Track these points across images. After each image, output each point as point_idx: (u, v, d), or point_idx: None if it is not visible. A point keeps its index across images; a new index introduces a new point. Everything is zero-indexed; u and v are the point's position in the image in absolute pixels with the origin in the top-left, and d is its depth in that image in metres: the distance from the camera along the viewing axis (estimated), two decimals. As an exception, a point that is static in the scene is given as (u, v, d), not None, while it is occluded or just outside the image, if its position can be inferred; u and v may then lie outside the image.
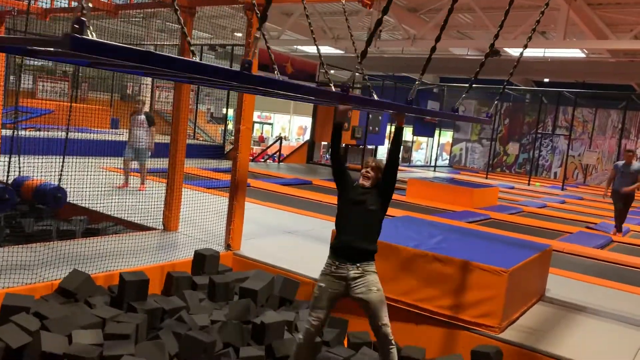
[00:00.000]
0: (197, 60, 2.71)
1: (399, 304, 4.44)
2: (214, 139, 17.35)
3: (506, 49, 13.68)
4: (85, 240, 5.36)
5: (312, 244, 6.33)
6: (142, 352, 3.44)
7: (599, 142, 21.43)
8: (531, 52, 13.81)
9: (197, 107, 17.04)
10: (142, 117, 8.47)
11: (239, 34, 16.04)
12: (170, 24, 15.11)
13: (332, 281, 3.37)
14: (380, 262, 3.54)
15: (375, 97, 3.81)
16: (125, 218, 6.37)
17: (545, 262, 5.31)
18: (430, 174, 19.41)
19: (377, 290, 3.33)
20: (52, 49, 2.17)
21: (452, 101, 22.30)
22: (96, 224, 6.40)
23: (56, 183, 6.43)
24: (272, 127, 30.14)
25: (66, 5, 7.46)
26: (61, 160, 6.30)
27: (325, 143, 19.64)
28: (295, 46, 18.45)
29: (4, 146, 7.33)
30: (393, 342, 3.34)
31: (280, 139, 18.78)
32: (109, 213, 6.47)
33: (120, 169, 8.79)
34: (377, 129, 18.70)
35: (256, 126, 27.53)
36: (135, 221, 6.25)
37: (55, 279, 4.19)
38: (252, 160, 17.26)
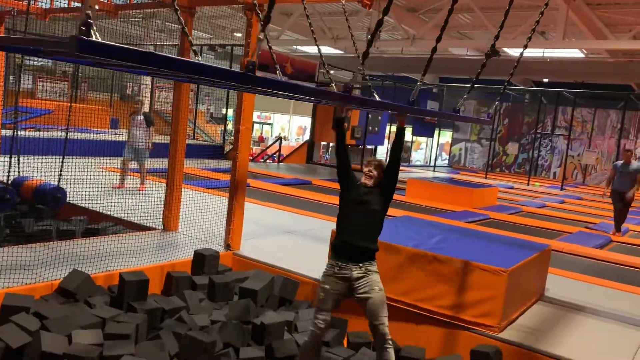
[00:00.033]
0: (200, 60, 2.72)
1: (398, 303, 4.44)
2: (214, 139, 17.35)
3: (505, 49, 13.69)
4: (85, 240, 5.36)
5: (311, 244, 6.33)
6: (142, 352, 3.44)
7: (598, 142, 21.45)
8: (530, 52, 13.83)
9: (196, 107, 17.04)
10: (141, 117, 8.48)
11: (239, 34, 16.04)
12: (170, 24, 15.11)
13: (336, 282, 3.37)
14: (380, 262, 3.55)
15: (377, 98, 3.81)
16: (125, 218, 6.37)
17: (545, 262, 5.32)
18: (429, 174, 19.42)
19: (379, 290, 3.34)
20: (57, 49, 2.19)
21: (452, 101, 22.35)
22: (96, 224, 6.40)
23: (56, 183, 6.43)
24: (271, 127, 30.15)
25: (66, 6, 7.46)
26: (61, 160, 6.30)
27: (325, 143, 19.65)
28: (295, 46, 18.46)
29: (3, 146, 7.34)
30: (390, 342, 3.34)
31: (279, 139, 18.79)
32: (109, 213, 6.47)
33: (119, 169, 8.80)
34: (376, 129, 18.69)
35: (256, 126, 27.54)
36: (135, 221, 6.25)
37: (55, 279, 4.19)
38: (252, 161, 17.27)
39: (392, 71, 20.85)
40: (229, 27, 15.86)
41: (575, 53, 14.61)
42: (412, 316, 4.44)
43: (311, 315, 4.40)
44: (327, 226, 6.36)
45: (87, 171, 6.68)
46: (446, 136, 26.10)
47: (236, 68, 12.58)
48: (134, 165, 8.64)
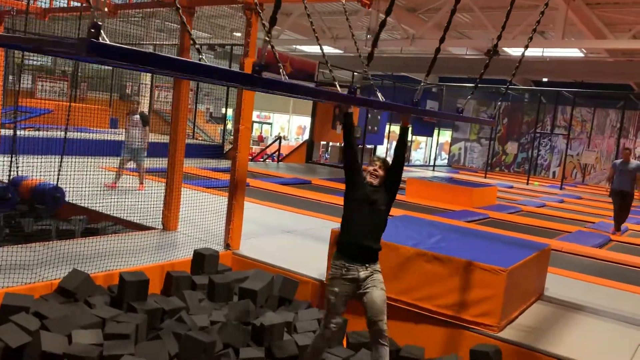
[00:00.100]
0: (203, 58, 2.75)
1: (398, 303, 4.45)
2: (213, 139, 17.35)
3: (505, 49, 13.69)
4: (85, 239, 5.36)
5: (311, 244, 6.33)
6: (142, 352, 3.44)
7: (597, 142, 21.45)
8: (530, 52, 13.77)
9: (196, 106, 17.04)
10: (137, 117, 8.48)
11: (238, 34, 16.04)
12: (170, 24, 15.10)
13: (344, 284, 3.36)
14: (380, 261, 3.54)
15: (381, 98, 3.82)
16: (125, 218, 6.37)
17: (544, 261, 5.32)
18: (429, 173, 19.43)
19: (382, 289, 3.34)
20: (68, 50, 2.25)
21: (451, 100, 22.35)
22: (95, 223, 6.40)
23: (54, 183, 6.43)
24: (271, 127, 30.15)
25: (65, 5, 7.46)
26: (59, 160, 6.30)
27: (324, 142, 19.65)
28: (295, 46, 18.45)
29: (3, 146, 7.33)
30: (387, 340, 3.33)
31: (279, 138, 18.78)
32: (109, 213, 6.47)
33: (116, 168, 8.79)
34: (375, 128, 18.70)
35: (255, 126, 27.54)
36: (135, 221, 6.25)
37: (55, 279, 4.19)
38: (252, 160, 17.27)
39: (392, 71, 20.84)
40: (229, 27, 15.85)
41: (574, 52, 14.61)
42: (411, 315, 4.45)
43: (310, 315, 4.41)
44: (326, 226, 6.36)
45: (87, 171, 6.68)
46: (446, 136, 26.10)
47: (235, 67, 12.58)
48: (132, 165, 8.64)
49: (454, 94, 22.16)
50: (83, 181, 6.41)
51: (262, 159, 18.91)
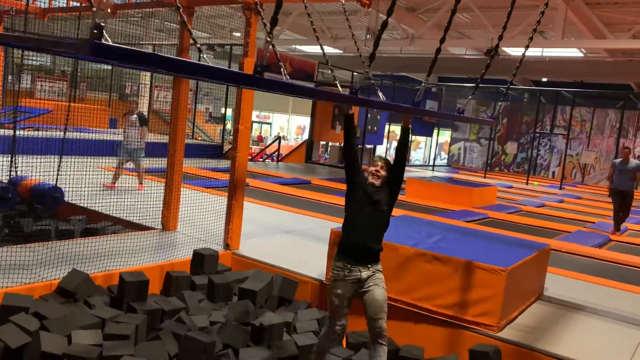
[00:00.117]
0: (202, 58, 2.77)
1: (398, 303, 4.44)
2: (213, 139, 17.34)
3: (504, 49, 13.70)
4: (84, 239, 5.36)
5: (310, 244, 6.33)
6: (142, 352, 3.44)
7: (597, 142, 21.46)
8: (529, 52, 13.77)
9: (195, 106, 17.03)
10: (135, 116, 8.47)
11: (238, 34, 16.04)
12: (169, 24, 15.10)
13: (347, 286, 3.36)
14: (380, 262, 3.54)
15: (382, 97, 3.82)
16: (124, 218, 6.37)
17: (544, 261, 5.32)
18: (428, 173, 19.43)
19: (383, 288, 3.34)
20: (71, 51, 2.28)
21: (450, 100, 22.36)
22: (95, 223, 6.40)
23: (53, 183, 6.43)
24: (270, 127, 30.13)
25: (64, 5, 7.46)
26: (59, 159, 6.30)
27: (324, 142, 19.64)
28: (294, 46, 18.45)
29: (2, 146, 7.33)
30: (385, 339, 3.33)
31: (278, 138, 18.78)
32: (108, 213, 6.47)
33: (118, 168, 8.78)
34: (375, 128, 18.71)
35: (255, 126, 27.53)
36: (134, 221, 6.25)
37: (54, 279, 4.19)
38: (251, 160, 17.26)
39: (391, 70, 20.85)
40: (228, 27, 15.85)
41: (574, 52, 14.62)
42: (411, 315, 4.45)
43: (310, 315, 4.41)
44: (326, 225, 6.36)
45: (86, 171, 6.67)
46: (445, 135, 26.10)
47: (235, 67, 12.57)
48: (131, 165, 8.63)
49: (454, 94, 22.17)
50: (82, 181, 6.40)
51: (261, 159, 18.90)
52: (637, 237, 9.52)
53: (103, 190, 7.79)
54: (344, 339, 4.30)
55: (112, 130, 14.00)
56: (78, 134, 8.19)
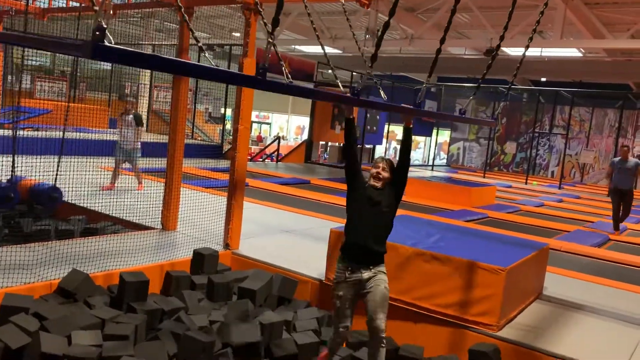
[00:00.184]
0: (204, 57, 2.80)
1: (397, 302, 4.45)
2: (212, 139, 17.34)
3: (503, 49, 13.71)
4: (84, 239, 5.36)
5: (310, 243, 6.34)
6: (141, 352, 3.45)
7: (596, 141, 21.49)
8: (528, 52, 13.82)
9: (195, 106, 17.03)
10: (131, 117, 8.47)
11: (237, 34, 16.03)
12: (169, 24, 15.10)
13: (348, 287, 3.36)
14: (379, 261, 3.55)
15: (384, 96, 3.83)
16: (124, 217, 6.38)
17: (543, 261, 5.33)
18: (428, 173, 19.44)
19: (384, 288, 3.33)
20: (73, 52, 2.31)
21: (450, 100, 22.39)
22: (95, 223, 6.40)
23: (51, 183, 6.43)
24: (270, 127, 30.12)
25: (64, 5, 7.47)
26: (58, 160, 6.30)
27: (323, 142, 19.65)
28: (293, 46, 18.46)
29: (1, 146, 7.33)
30: (384, 340, 3.33)
31: (278, 138, 18.78)
32: (108, 213, 6.47)
33: (116, 168, 8.78)
34: (374, 128, 18.72)
35: (254, 126, 27.53)
36: (134, 221, 6.25)
37: (54, 279, 4.19)
38: (251, 160, 17.27)
39: (391, 70, 20.86)
40: (227, 27, 15.85)
41: (573, 52, 14.63)
42: (410, 315, 4.45)
43: (310, 314, 4.42)
44: (325, 225, 6.37)
45: (85, 171, 6.67)
46: (444, 135, 26.12)
47: (234, 67, 12.57)
48: (127, 165, 8.62)
49: (453, 94, 22.19)
50: (82, 181, 6.40)
51: (261, 159, 18.91)
52: (636, 237, 9.54)
53: (102, 190, 7.79)
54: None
55: (111, 130, 13.98)
56: (78, 134, 8.17)
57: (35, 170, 6.31)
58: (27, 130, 10.28)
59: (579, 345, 4.11)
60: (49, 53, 12.39)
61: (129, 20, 13.13)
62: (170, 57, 2.39)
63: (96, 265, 4.60)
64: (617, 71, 17.25)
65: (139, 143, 8.49)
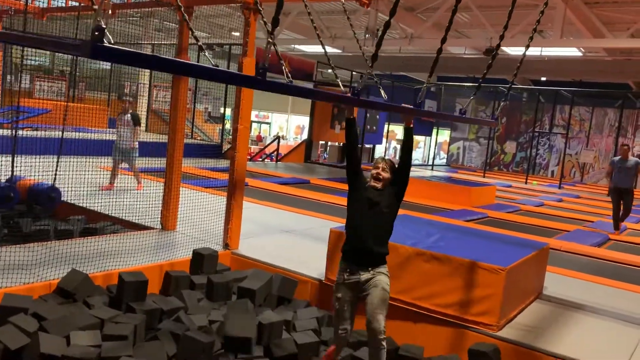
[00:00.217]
0: (204, 57, 2.81)
1: (397, 302, 4.44)
2: (212, 139, 17.33)
3: (503, 48, 13.70)
4: (83, 239, 5.35)
5: (310, 243, 6.33)
6: (141, 353, 3.44)
7: (596, 141, 21.48)
8: (528, 51, 13.83)
9: (194, 106, 17.02)
10: (128, 116, 8.46)
11: (237, 34, 16.02)
12: (168, 23, 15.09)
13: (347, 289, 3.35)
14: (379, 261, 3.54)
15: (384, 95, 3.82)
16: (123, 217, 6.37)
17: (543, 260, 5.32)
18: (427, 172, 19.43)
19: (383, 289, 3.30)
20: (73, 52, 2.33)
21: (450, 100, 22.38)
22: (94, 223, 6.40)
23: (50, 182, 6.42)
24: (269, 127, 30.12)
25: (63, 5, 7.46)
26: (57, 159, 6.29)
27: (323, 142, 19.65)
28: (293, 45, 18.45)
29: (0, 146, 7.32)
30: (384, 341, 3.31)
31: (278, 138, 18.78)
32: (107, 213, 6.46)
33: (114, 168, 8.78)
34: (374, 128, 18.71)
35: (254, 125, 27.54)
36: (133, 221, 6.24)
37: (54, 279, 4.19)
38: (250, 160, 17.26)
39: (390, 70, 20.85)
40: (227, 27, 15.83)
41: (573, 52, 14.62)
42: (410, 315, 4.45)
43: (309, 314, 4.41)
44: (325, 225, 6.37)
45: (85, 170, 6.66)
46: (444, 135, 26.11)
47: (233, 67, 12.56)
48: (125, 165, 8.61)
49: (452, 94, 22.18)
50: (81, 181, 6.39)
51: (260, 159, 18.90)
52: (636, 237, 9.53)
53: (102, 190, 7.78)
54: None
55: (111, 130, 13.97)
56: (77, 133, 8.16)
57: (34, 170, 6.30)
58: (26, 130, 10.26)
59: (579, 345, 4.11)
60: (48, 53, 12.39)
61: (128, 20, 13.11)
62: (169, 57, 2.39)
63: (95, 265, 4.59)
64: (617, 70, 17.25)
65: (137, 143, 8.49)
